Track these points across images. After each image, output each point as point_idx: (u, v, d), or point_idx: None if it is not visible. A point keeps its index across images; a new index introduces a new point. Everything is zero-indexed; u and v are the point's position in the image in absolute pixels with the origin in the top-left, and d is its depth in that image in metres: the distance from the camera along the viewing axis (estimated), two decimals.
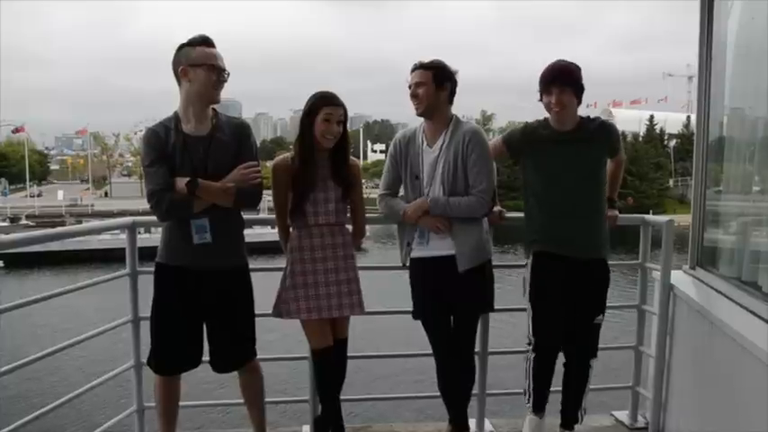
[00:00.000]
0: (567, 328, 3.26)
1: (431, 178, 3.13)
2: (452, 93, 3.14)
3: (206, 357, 3.10)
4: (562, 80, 3.07)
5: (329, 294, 3.08)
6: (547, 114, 3.19)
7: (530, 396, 3.33)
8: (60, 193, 55.60)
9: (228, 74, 2.93)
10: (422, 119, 3.20)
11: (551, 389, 3.36)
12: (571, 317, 3.22)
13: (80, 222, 28.91)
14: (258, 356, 3.18)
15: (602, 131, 3.22)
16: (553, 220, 3.17)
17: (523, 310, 3.31)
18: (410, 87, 3.11)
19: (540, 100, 3.15)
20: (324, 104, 3.00)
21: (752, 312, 2.81)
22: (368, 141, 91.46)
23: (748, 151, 3.30)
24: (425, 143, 3.17)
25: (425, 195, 3.13)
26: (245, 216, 3.15)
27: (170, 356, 3.03)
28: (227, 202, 2.87)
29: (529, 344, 3.30)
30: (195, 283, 2.93)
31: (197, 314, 2.99)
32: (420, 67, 3.11)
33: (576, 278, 3.17)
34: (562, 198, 3.14)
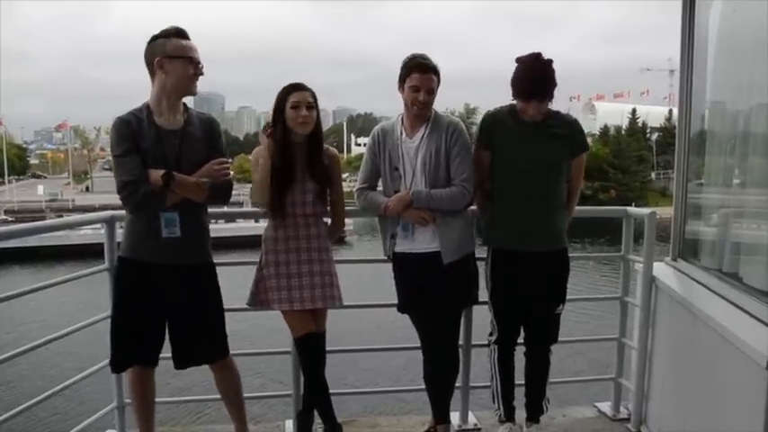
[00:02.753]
0: (528, 320, 3.32)
1: (411, 168, 3.12)
2: None
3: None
4: (543, 94, 3.06)
5: (302, 286, 3.06)
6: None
7: (498, 402, 3.40)
8: (40, 188, 54.91)
9: (203, 66, 2.90)
10: (401, 111, 3.20)
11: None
12: (531, 307, 3.28)
13: (61, 217, 28.57)
14: (239, 351, 3.16)
15: (566, 127, 3.21)
16: (513, 209, 3.16)
17: None
18: (416, 89, 3.02)
19: (513, 99, 3.13)
20: (288, 92, 2.99)
21: (732, 303, 2.83)
22: (352, 135, 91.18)
23: (729, 144, 3.32)
24: (404, 134, 3.16)
25: (407, 188, 3.11)
26: (230, 209, 3.12)
27: (129, 354, 2.97)
28: (200, 197, 2.84)
29: (490, 334, 3.37)
30: (160, 278, 2.88)
31: (161, 311, 2.94)
32: (431, 70, 3.04)
33: (535, 271, 3.20)
34: (522, 185, 3.14)
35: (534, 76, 3.05)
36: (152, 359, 3.03)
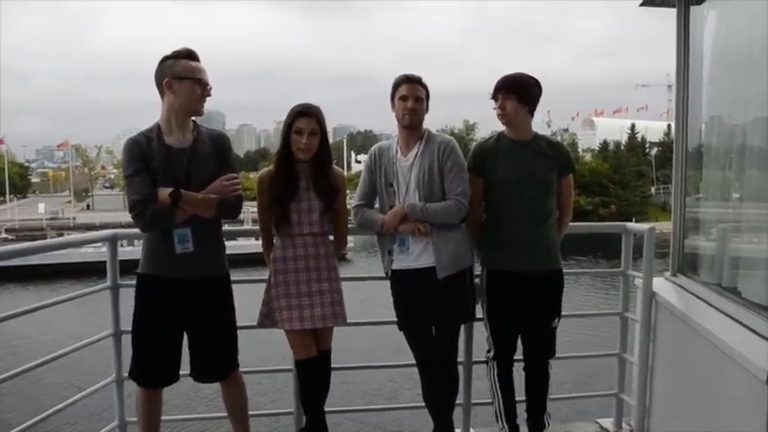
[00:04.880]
0: (525, 335, 3.35)
1: (406, 185, 3.16)
2: None
3: (184, 370, 3.08)
4: (507, 87, 3.21)
5: (312, 305, 3.08)
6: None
7: (502, 420, 3.40)
8: (41, 206, 54.93)
9: (211, 88, 2.96)
10: (396, 130, 3.27)
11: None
12: (528, 324, 3.31)
13: (61, 235, 28.55)
14: (241, 369, 3.16)
15: (552, 148, 3.32)
16: (508, 226, 3.22)
17: None
18: (404, 99, 3.15)
19: (494, 107, 3.27)
20: (295, 117, 3.03)
21: (732, 318, 2.84)
22: (351, 152, 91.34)
23: (727, 158, 3.34)
24: (399, 152, 3.22)
25: (401, 203, 3.15)
26: (231, 227, 3.14)
27: (154, 369, 3.01)
28: (208, 213, 2.87)
29: (488, 351, 3.40)
30: (177, 292, 2.93)
31: (178, 325, 2.98)
32: (417, 82, 3.18)
33: (531, 290, 3.24)
34: (517, 202, 3.20)
35: (505, 75, 3.27)
36: (174, 375, 3.05)
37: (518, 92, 3.19)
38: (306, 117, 3.02)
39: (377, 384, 12.20)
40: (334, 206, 3.14)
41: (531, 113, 3.27)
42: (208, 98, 2.95)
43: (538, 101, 3.27)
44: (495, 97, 3.23)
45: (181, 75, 2.87)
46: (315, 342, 3.15)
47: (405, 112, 3.15)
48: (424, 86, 3.19)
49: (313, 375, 3.18)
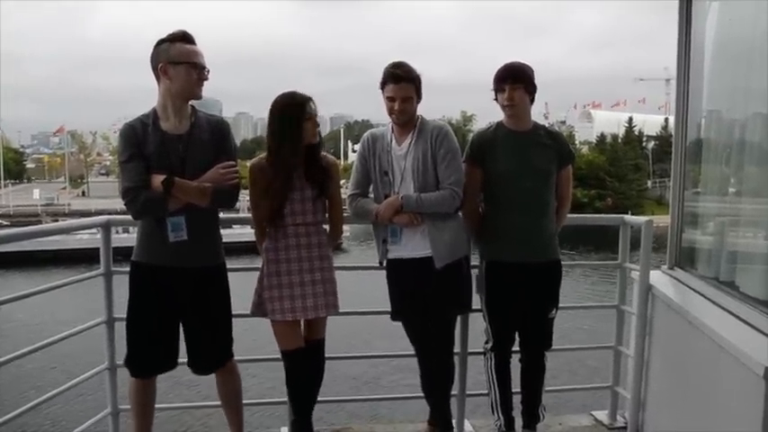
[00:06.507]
0: (522, 325, 3.34)
1: (401, 174, 3.13)
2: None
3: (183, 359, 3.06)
4: (514, 77, 3.15)
5: (304, 295, 3.05)
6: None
7: (498, 412, 3.39)
8: (36, 192, 54.74)
9: (209, 71, 2.90)
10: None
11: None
12: (527, 314, 3.30)
13: (56, 222, 28.44)
14: (235, 357, 3.14)
15: (552, 138, 3.30)
16: (508, 218, 3.20)
17: None
18: (392, 99, 3.06)
19: (495, 99, 3.22)
20: (299, 123, 2.95)
21: (729, 312, 2.83)
22: (349, 141, 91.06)
23: (725, 153, 3.32)
24: (393, 141, 3.18)
25: (396, 193, 3.12)
26: (227, 215, 3.10)
27: (147, 358, 2.98)
28: (203, 202, 2.83)
29: (486, 342, 3.38)
30: (171, 281, 2.89)
31: (173, 314, 2.95)
32: (404, 79, 3.06)
33: (531, 281, 3.23)
34: (517, 193, 3.17)
35: (506, 65, 3.19)
36: (170, 364, 3.03)
37: (524, 81, 3.16)
38: (308, 120, 2.97)
39: (359, 370, 12.24)
40: (328, 195, 3.11)
41: (532, 103, 3.25)
42: (206, 82, 2.89)
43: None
44: (500, 88, 3.17)
45: (176, 59, 2.81)
46: (307, 332, 3.14)
47: (392, 112, 3.10)
48: (413, 79, 3.07)
49: (300, 367, 3.15)
